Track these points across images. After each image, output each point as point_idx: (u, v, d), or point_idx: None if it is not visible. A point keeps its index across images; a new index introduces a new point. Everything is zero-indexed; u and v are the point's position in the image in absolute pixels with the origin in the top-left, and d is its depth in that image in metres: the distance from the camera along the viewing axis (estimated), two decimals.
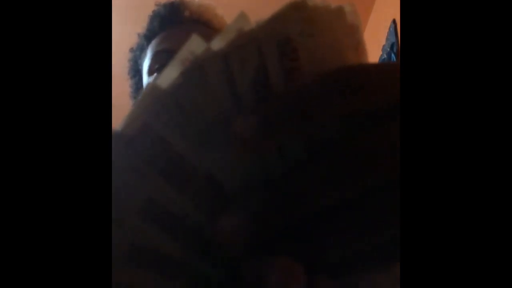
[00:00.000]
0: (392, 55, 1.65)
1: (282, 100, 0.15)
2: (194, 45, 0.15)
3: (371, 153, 0.14)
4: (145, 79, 0.61)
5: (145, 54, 0.63)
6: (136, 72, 0.66)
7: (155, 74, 0.57)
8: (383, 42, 1.77)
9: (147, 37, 0.64)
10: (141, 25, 0.67)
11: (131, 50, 0.68)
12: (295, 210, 0.14)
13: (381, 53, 1.78)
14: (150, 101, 0.15)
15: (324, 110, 0.15)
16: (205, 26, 0.63)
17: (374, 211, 0.14)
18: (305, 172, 0.15)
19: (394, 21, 1.69)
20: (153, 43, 0.62)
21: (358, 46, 0.17)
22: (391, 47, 1.67)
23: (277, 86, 0.15)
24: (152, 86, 0.15)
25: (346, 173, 0.14)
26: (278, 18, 0.15)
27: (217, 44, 0.15)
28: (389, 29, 1.72)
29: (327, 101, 0.15)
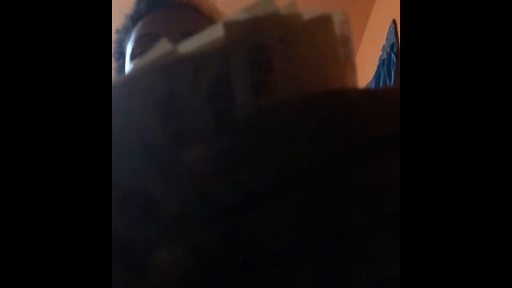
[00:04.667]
0: (392, 55, 1.64)
1: (246, 126, 0.13)
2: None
3: (345, 196, 0.13)
4: (127, 63, 0.58)
5: (130, 37, 0.60)
6: (120, 55, 0.63)
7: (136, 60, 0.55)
8: (383, 42, 1.77)
9: (133, 18, 0.61)
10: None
11: (117, 31, 0.64)
12: (246, 250, 0.12)
13: (381, 53, 1.78)
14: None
15: (297, 142, 0.13)
16: (194, 11, 0.60)
17: (335, 259, 0.13)
18: (265, 210, 0.13)
19: (394, 21, 1.69)
20: (138, 25, 0.59)
21: (347, 60, 0.15)
22: (391, 47, 1.67)
23: (242, 103, 0.13)
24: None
25: (316, 215, 0.12)
26: (253, 18, 0.13)
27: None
28: (389, 29, 1.72)
29: (301, 132, 0.13)
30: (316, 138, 0.13)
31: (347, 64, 0.15)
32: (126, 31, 0.62)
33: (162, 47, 0.13)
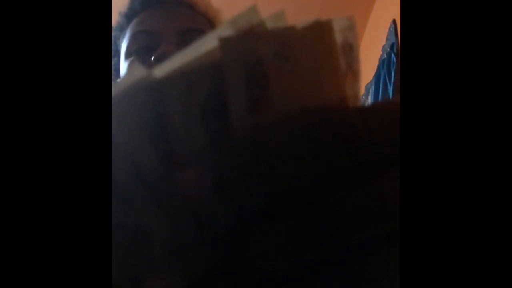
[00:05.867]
0: (392, 55, 1.64)
1: (242, 146, 0.12)
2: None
3: (343, 216, 0.12)
4: (122, 61, 0.58)
5: (124, 34, 0.59)
6: (115, 53, 0.63)
7: (131, 58, 0.54)
8: (383, 42, 1.77)
9: (128, 16, 0.60)
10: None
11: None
12: (243, 275, 0.12)
13: (381, 53, 1.78)
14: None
15: (293, 161, 0.12)
16: (189, 8, 0.59)
17: (335, 279, 0.12)
18: (262, 232, 0.12)
19: (394, 21, 1.69)
20: (133, 23, 0.58)
21: (349, 69, 0.14)
22: (391, 47, 1.67)
23: (237, 119, 0.13)
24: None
25: (315, 235, 0.12)
26: (249, 34, 0.13)
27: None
28: (389, 29, 1.72)
29: (298, 151, 0.12)
30: (312, 157, 0.12)
31: (348, 73, 0.14)
32: (120, 29, 0.61)
33: (136, 71, 0.13)
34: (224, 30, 0.13)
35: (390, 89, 1.59)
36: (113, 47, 0.63)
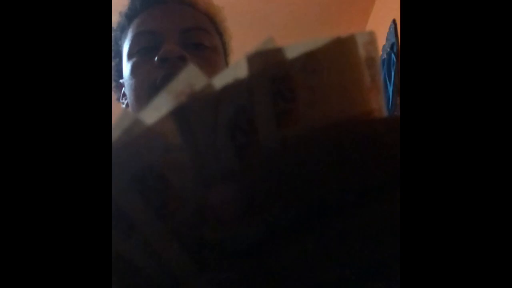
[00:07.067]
0: (392, 55, 1.64)
1: (271, 163, 0.12)
2: (191, 77, 0.13)
3: (371, 229, 0.12)
4: (125, 62, 0.58)
5: (126, 35, 0.59)
6: (116, 54, 0.62)
7: (134, 58, 0.54)
8: (383, 42, 1.77)
9: (128, 16, 0.60)
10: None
11: (112, 30, 0.62)
12: (275, 285, 0.12)
13: (381, 53, 1.78)
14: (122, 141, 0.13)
15: (321, 174, 0.12)
16: (190, 7, 0.58)
17: None
18: (288, 245, 0.12)
19: (394, 21, 1.69)
20: (134, 23, 0.58)
21: (373, 82, 0.14)
22: (391, 47, 1.67)
23: (265, 134, 0.13)
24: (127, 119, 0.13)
25: (339, 250, 0.12)
26: (276, 49, 0.13)
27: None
28: (389, 29, 1.71)
29: (326, 164, 0.12)
30: (339, 169, 0.12)
31: (372, 86, 0.14)
32: (121, 29, 0.60)
33: (125, 117, 0.13)
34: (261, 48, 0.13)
35: (390, 89, 1.59)
36: (114, 48, 0.63)
